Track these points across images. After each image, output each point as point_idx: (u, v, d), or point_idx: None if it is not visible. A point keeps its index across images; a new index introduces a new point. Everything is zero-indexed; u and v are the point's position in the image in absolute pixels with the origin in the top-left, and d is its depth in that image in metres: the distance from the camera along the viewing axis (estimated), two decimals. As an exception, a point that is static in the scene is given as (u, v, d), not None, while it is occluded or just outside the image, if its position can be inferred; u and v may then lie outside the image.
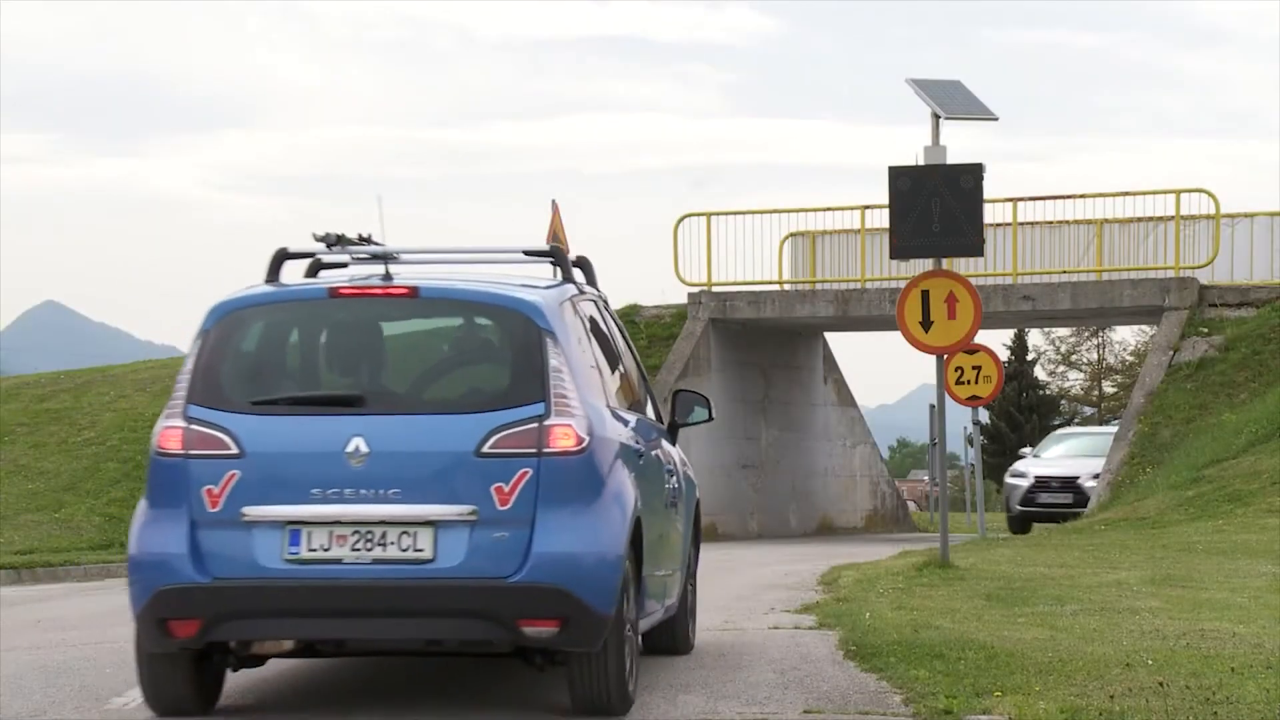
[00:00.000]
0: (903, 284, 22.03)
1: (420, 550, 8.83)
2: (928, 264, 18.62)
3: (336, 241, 9.87)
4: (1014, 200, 34.32)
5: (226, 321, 9.39)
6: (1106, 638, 11.61)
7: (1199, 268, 33.37)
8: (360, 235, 10.00)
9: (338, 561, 8.83)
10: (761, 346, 36.90)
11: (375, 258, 9.84)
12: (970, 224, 17.50)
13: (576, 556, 8.88)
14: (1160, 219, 33.79)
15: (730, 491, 35.28)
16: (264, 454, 8.98)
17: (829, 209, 35.60)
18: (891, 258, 18.42)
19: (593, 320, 10.16)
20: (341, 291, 9.43)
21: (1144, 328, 73.68)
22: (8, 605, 17.10)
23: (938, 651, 10.81)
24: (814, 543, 32.95)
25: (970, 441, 31.80)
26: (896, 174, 17.66)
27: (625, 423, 9.84)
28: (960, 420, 34.70)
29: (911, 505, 54.04)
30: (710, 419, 11.50)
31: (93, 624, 14.28)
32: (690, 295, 35.58)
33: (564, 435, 9.00)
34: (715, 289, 35.35)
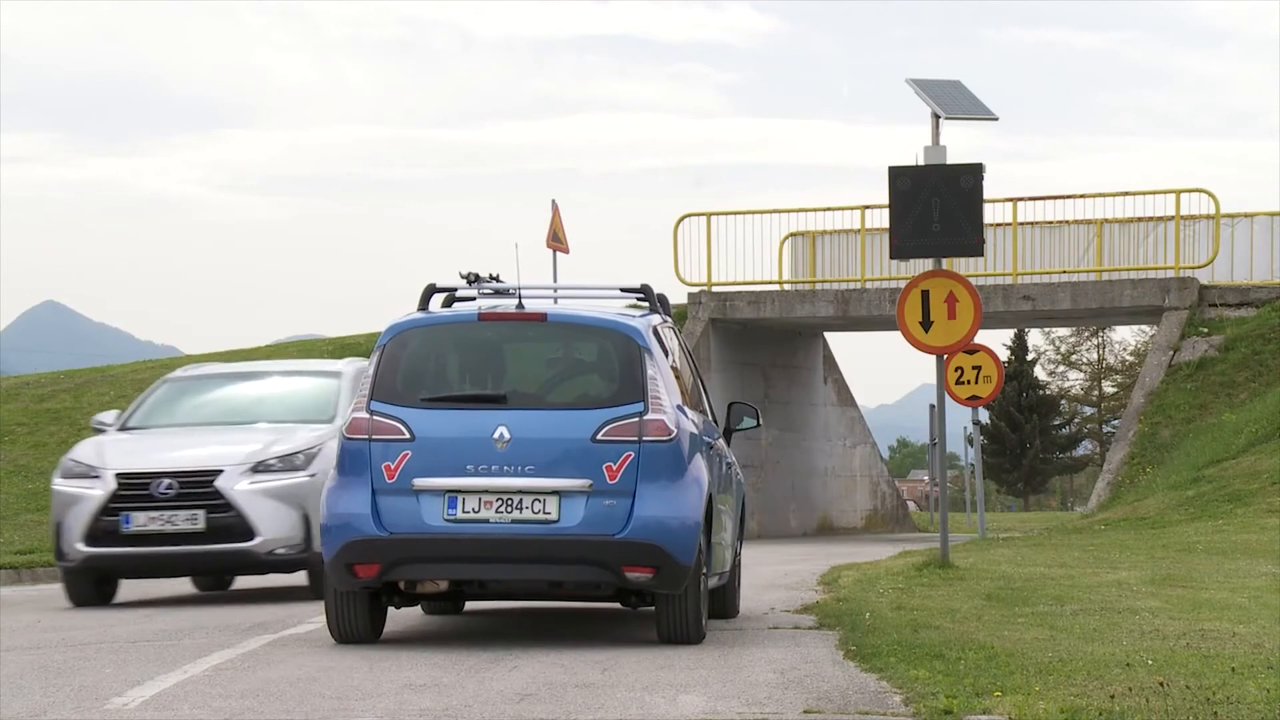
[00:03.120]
0: (903, 284, 22.03)
1: (548, 513, 11.52)
2: (928, 264, 18.62)
3: (475, 279, 12.57)
4: (1014, 200, 34.35)
5: (399, 339, 12.04)
6: (1106, 638, 11.60)
7: (1199, 268, 33.39)
8: (491, 274, 12.67)
9: (485, 521, 11.53)
10: (761, 346, 36.90)
11: (499, 293, 12.61)
12: (970, 224, 17.50)
13: (667, 520, 11.55)
14: (1160, 219, 33.81)
15: (730, 491, 35.26)
16: (430, 438, 11.65)
17: (829, 209, 35.63)
18: (891, 258, 18.42)
19: (674, 339, 12.87)
20: (487, 316, 12.15)
21: (1144, 328, 73.73)
22: (8, 605, 17.10)
23: (938, 651, 10.81)
24: (814, 543, 32.95)
25: (970, 441, 31.63)
26: (896, 174, 17.66)
27: (696, 420, 12.38)
28: (960, 420, 34.71)
29: (911, 505, 54.06)
30: (758, 425, 13.81)
31: (93, 624, 14.27)
32: (690, 295, 35.59)
33: (658, 428, 11.67)
34: (715, 289, 35.36)
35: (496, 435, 11.57)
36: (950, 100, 18.72)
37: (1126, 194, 34.11)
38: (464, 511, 11.56)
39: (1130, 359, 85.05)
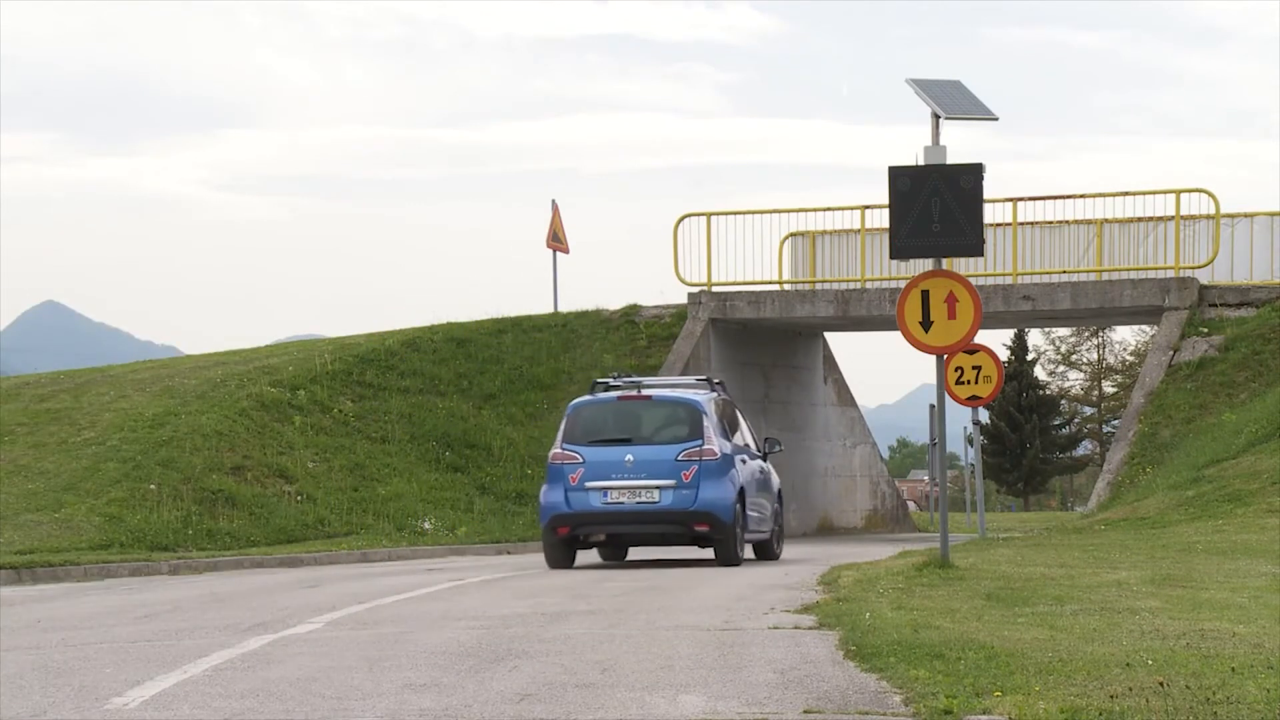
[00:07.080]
0: (903, 284, 22.03)
1: (654, 499, 21.97)
2: (928, 264, 18.61)
3: (618, 376, 23.43)
4: (1014, 200, 34.35)
5: (577, 410, 22.62)
6: (1106, 638, 11.60)
7: (1199, 268, 33.39)
8: (619, 372, 25.34)
9: (622, 503, 22.04)
10: (761, 346, 36.90)
11: (627, 384, 23.19)
12: (970, 224, 17.49)
13: (716, 500, 21.97)
14: (1160, 219, 33.81)
15: (730, 491, 35.27)
16: (593, 461, 22.15)
17: (829, 209, 35.63)
18: (891, 258, 18.40)
19: (724, 405, 23.26)
20: (622, 398, 22.60)
21: (1144, 328, 73.74)
22: (8, 605, 17.11)
23: (938, 651, 10.80)
24: (814, 543, 32.97)
25: (970, 441, 31.59)
26: (896, 174, 17.65)
27: (734, 447, 22.71)
28: (960, 420, 34.72)
29: (911, 505, 54.06)
30: (781, 449, 25.39)
31: (93, 624, 14.28)
32: (690, 295, 35.60)
33: (710, 453, 22.03)
34: (715, 289, 35.37)
35: (627, 459, 22.02)
36: (950, 100, 18.71)
37: (1126, 194, 34.11)
38: (612, 499, 21.99)
39: (1130, 359, 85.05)
